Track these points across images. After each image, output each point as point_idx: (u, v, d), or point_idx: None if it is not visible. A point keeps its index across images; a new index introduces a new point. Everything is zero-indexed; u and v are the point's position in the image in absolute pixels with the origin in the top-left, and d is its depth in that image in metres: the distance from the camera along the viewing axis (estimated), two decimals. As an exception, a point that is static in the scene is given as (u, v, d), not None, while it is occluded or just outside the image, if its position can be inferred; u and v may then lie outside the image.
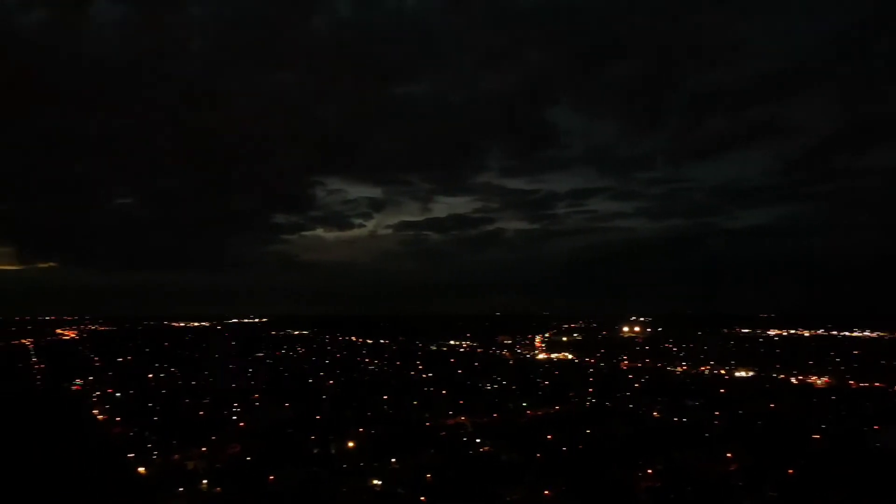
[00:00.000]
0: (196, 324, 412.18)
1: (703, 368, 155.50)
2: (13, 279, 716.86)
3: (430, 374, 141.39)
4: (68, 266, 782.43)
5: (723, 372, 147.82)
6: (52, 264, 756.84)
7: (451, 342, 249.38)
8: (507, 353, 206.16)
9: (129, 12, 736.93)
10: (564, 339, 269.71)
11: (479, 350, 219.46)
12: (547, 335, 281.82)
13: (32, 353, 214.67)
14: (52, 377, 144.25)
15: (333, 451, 68.08)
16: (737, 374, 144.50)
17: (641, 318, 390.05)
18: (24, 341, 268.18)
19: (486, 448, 69.06)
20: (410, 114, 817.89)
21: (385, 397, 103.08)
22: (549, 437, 71.89)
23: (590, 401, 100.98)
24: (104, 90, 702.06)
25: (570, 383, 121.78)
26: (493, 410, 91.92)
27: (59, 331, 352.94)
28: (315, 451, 68.28)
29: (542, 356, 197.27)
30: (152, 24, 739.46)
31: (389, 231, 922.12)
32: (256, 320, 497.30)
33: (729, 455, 62.12)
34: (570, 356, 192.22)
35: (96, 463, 65.66)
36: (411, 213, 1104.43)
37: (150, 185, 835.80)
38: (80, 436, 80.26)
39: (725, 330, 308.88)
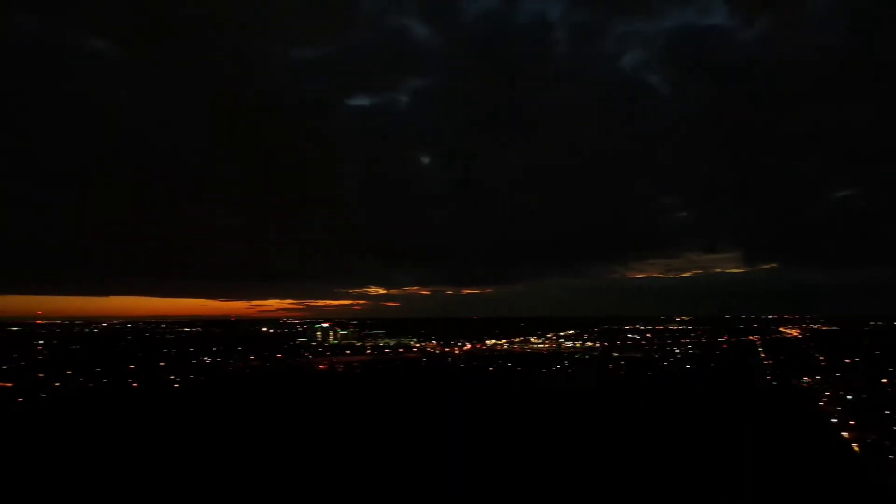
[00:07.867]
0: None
1: None
2: (739, 281, 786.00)
3: None
4: (789, 266, 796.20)
5: None
6: (773, 265, 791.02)
7: None
8: None
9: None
10: None
11: None
12: None
13: (760, 348, 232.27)
14: (779, 372, 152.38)
15: None
16: None
17: None
18: (751, 337, 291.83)
19: None
20: None
21: None
22: None
23: None
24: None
25: None
26: None
27: (781, 328, 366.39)
28: None
29: None
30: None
31: None
32: None
33: None
34: None
35: (833, 463, 65.61)
36: None
37: (874, 173, 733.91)
38: (815, 435, 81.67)
39: None
